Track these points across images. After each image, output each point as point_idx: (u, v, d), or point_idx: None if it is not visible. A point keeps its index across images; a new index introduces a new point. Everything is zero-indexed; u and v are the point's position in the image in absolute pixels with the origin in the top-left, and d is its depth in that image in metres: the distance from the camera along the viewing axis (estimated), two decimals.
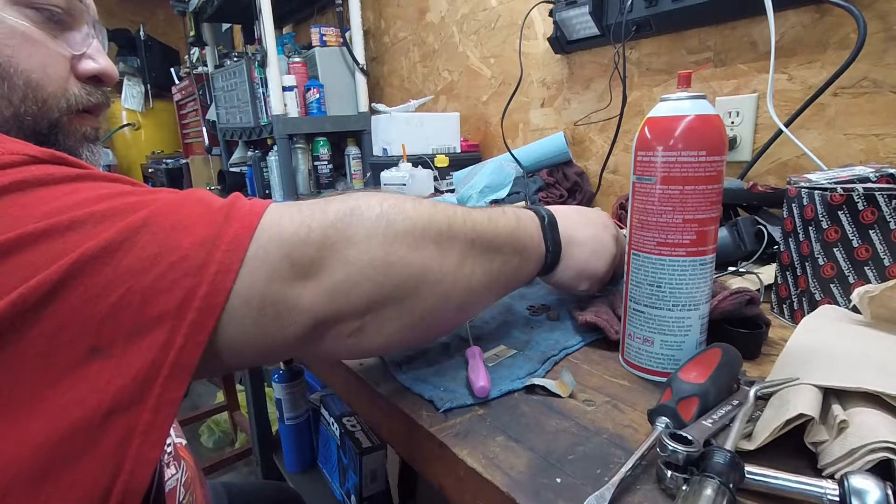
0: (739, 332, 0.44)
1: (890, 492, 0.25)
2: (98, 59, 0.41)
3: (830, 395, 0.33)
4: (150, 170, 3.03)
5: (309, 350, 0.33)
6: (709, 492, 0.26)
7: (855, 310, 0.44)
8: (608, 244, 0.50)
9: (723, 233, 0.65)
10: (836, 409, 0.31)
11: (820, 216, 0.48)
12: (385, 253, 0.32)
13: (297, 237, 0.30)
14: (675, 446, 0.29)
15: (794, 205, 0.51)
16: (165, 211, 0.28)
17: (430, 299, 0.35)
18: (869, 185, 0.53)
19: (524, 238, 0.43)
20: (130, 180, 0.31)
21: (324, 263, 0.31)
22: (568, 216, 0.49)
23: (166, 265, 0.26)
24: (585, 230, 0.49)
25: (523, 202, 1.01)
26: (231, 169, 2.23)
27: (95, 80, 0.42)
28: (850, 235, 0.46)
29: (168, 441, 0.56)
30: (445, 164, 1.29)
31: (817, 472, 0.30)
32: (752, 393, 0.35)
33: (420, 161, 1.25)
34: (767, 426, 0.32)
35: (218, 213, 0.29)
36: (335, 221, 0.32)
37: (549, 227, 0.46)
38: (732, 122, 0.87)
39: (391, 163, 1.24)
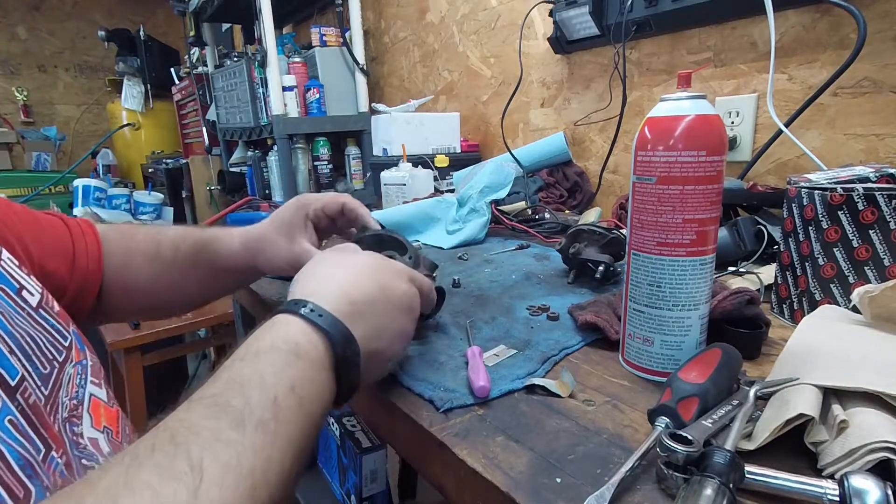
0: (739, 332, 0.44)
1: (890, 492, 0.25)
2: None
3: (830, 395, 0.33)
4: (150, 170, 3.03)
5: None
6: (709, 492, 0.26)
7: (855, 310, 0.44)
8: (407, 332, 0.42)
9: (723, 233, 0.65)
10: (836, 409, 0.31)
11: (820, 216, 0.48)
12: None
13: None
14: (675, 446, 0.29)
15: (794, 205, 0.51)
16: None
17: None
18: (869, 185, 0.53)
19: (320, 417, 0.32)
20: None
21: None
22: (375, 322, 0.38)
23: None
24: (391, 327, 0.39)
25: (522, 202, 1.01)
26: (231, 169, 2.24)
27: None
28: (850, 235, 0.46)
29: None
30: (445, 164, 1.29)
31: (817, 472, 0.30)
32: (752, 393, 0.35)
33: (420, 161, 1.25)
34: (767, 426, 0.32)
35: None
36: None
37: (347, 385, 0.35)
38: (732, 122, 0.87)
39: (391, 163, 1.24)
